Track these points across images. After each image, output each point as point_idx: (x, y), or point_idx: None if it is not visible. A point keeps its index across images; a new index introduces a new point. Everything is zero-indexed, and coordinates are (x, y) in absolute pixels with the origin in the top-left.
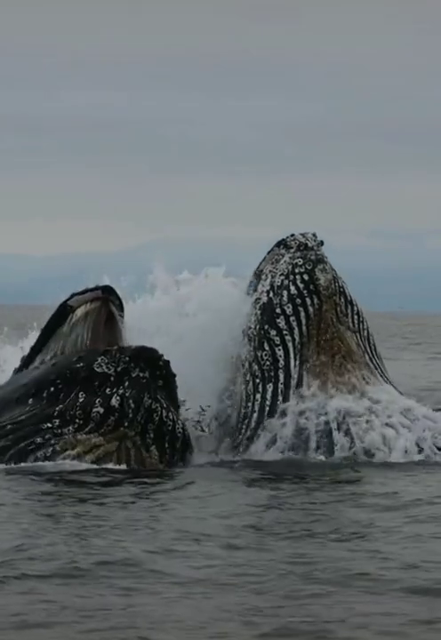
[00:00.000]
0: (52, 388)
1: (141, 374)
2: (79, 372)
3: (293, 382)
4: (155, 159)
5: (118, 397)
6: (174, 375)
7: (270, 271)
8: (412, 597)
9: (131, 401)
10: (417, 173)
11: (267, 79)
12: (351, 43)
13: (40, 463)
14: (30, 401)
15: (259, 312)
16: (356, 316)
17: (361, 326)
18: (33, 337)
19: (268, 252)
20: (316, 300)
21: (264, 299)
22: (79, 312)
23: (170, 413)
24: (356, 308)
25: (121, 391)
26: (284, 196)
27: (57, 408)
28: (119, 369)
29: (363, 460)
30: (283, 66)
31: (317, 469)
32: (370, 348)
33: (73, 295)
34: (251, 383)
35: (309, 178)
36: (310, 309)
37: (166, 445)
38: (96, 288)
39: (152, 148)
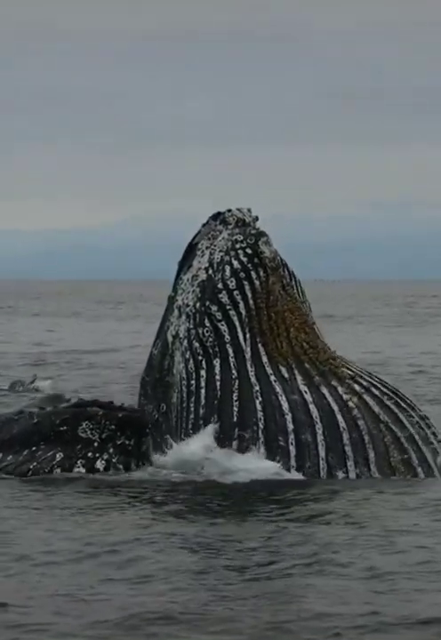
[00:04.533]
0: (34, 448)
1: (127, 442)
2: (62, 435)
3: (247, 356)
4: (143, 136)
5: (104, 462)
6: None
7: (207, 247)
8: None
9: (118, 467)
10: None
11: (256, 56)
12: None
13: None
14: (9, 458)
15: (197, 289)
16: (298, 288)
17: (303, 298)
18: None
19: (203, 225)
20: (262, 273)
21: (202, 275)
22: None
23: None
24: (298, 280)
25: (106, 457)
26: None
27: (31, 466)
28: (104, 436)
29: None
30: (274, 45)
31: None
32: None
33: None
34: (191, 361)
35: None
36: (256, 283)
37: None
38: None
39: (140, 125)
